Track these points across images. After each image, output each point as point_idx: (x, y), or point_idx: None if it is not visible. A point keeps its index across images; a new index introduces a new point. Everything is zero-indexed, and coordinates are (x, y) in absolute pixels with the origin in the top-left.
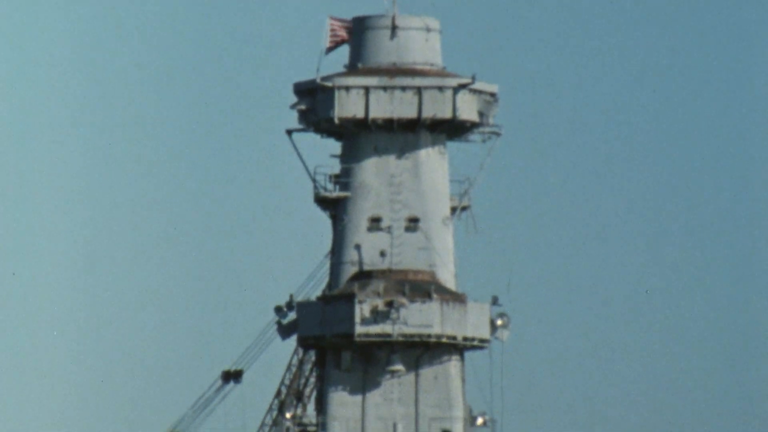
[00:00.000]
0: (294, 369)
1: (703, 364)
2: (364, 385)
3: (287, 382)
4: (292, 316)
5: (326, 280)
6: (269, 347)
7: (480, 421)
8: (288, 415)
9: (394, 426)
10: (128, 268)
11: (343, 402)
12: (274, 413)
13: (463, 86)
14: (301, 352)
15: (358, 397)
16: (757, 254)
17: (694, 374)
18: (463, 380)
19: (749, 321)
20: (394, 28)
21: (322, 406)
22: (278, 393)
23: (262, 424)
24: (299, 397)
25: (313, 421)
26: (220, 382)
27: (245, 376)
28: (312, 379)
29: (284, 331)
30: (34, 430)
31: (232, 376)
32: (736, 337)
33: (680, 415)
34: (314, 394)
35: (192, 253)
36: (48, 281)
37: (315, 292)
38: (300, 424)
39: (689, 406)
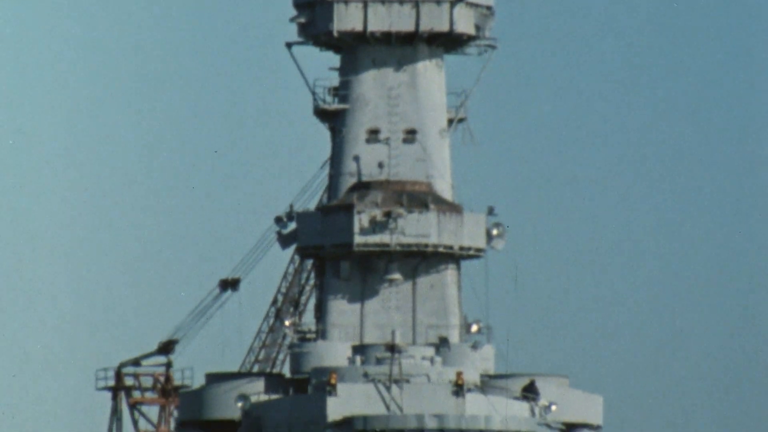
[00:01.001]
0: (290, 277)
1: (695, 260)
2: (362, 293)
3: (283, 290)
4: (292, 226)
5: (322, 190)
6: (266, 256)
7: (474, 328)
8: (287, 323)
9: (392, 333)
10: (129, 177)
11: (342, 310)
12: (271, 320)
13: None
14: (297, 260)
15: (357, 306)
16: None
17: (689, 278)
18: (460, 289)
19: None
20: None
21: (321, 314)
22: (274, 301)
23: (259, 331)
24: (295, 304)
25: (312, 328)
26: (217, 290)
27: (242, 285)
28: (307, 287)
29: (284, 240)
30: (33, 337)
31: (229, 285)
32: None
33: (676, 317)
34: (309, 301)
35: (192, 163)
36: (47, 188)
37: (311, 202)
38: (299, 332)
39: (684, 308)
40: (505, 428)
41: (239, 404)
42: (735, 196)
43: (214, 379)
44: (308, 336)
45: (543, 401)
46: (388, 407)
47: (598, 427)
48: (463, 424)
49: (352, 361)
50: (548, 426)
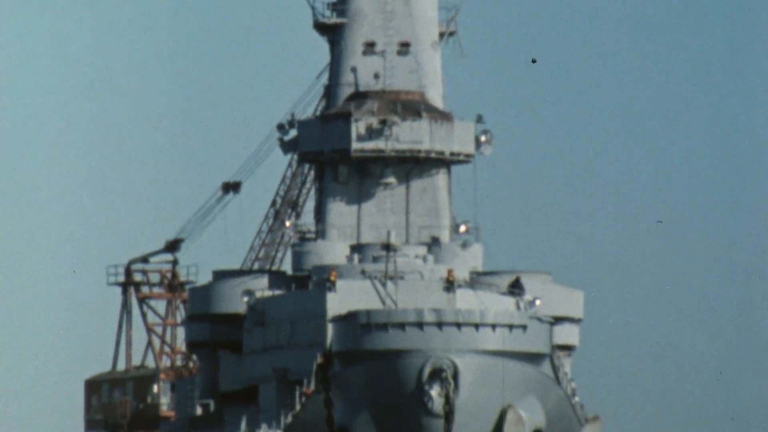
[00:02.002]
0: (288, 181)
1: (679, 165)
2: (359, 196)
3: (282, 193)
4: (293, 133)
5: (318, 99)
6: (266, 161)
7: (463, 228)
8: (287, 224)
9: (388, 233)
10: (134, 83)
11: (340, 212)
12: (270, 221)
13: None
14: (294, 165)
15: (354, 208)
16: None
17: (670, 182)
18: (450, 192)
19: None
20: None
21: (320, 216)
22: (273, 203)
23: (259, 231)
24: (293, 206)
25: (312, 228)
26: (220, 192)
27: (243, 187)
28: (305, 190)
29: (286, 147)
30: (48, 236)
31: (231, 187)
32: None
33: (656, 215)
34: (306, 203)
35: (197, 70)
36: (53, 92)
37: (308, 110)
38: (299, 232)
39: (662, 208)
40: (498, 321)
41: (244, 299)
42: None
43: (220, 275)
44: (308, 236)
45: (528, 296)
46: (383, 302)
47: (579, 320)
48: (459, 317)
49: (350, 259)
50: (539, 319)
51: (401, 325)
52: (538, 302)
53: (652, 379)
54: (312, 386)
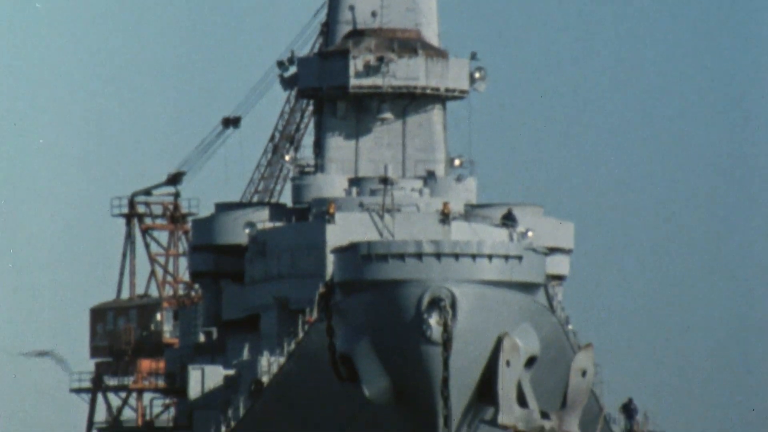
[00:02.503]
0: (286, 116)
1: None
2: (357, 131)
3: (280, 128)
4: (293, 70)
5: (315, 36)
6: (265, 96)
7: (457, 162)
8: (287, 158)
9: (385, 167)
10: (138, 20)
11: (339, 146)
12: (269, 155)
13: None
14: (293, 101)
15: (352, 142)
16: None
17: (659, 116)
18: (445, 127)
19: None
20: None
21: (320, 150)
22: (272, 137)
23: (258, 165)
24: (291, 140)
25: (310, 162)
26: (220, 127)
27: (243, 122)
28: (302, 125)
29: (286, 83)
30: (54, 168)
31: (231, 122)
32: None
33: (643, 148)
34: (304, 138)
35: (199, 7)
36: (57, 28)
37: (305, 47)
38: (298, 166)
39: (652, 143)
40: (495, 252)
41: (246, 231)
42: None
43: (223, 208)
44: (307, 170)
45: (520, 228)
46: (381, 234)
47: (569, 251)
48: (457, 249)
49: (348, 192)
50: (534, 250)
51: (401, 256)
52: (530, 234)
53: (642, 307)
54: (314, 315)
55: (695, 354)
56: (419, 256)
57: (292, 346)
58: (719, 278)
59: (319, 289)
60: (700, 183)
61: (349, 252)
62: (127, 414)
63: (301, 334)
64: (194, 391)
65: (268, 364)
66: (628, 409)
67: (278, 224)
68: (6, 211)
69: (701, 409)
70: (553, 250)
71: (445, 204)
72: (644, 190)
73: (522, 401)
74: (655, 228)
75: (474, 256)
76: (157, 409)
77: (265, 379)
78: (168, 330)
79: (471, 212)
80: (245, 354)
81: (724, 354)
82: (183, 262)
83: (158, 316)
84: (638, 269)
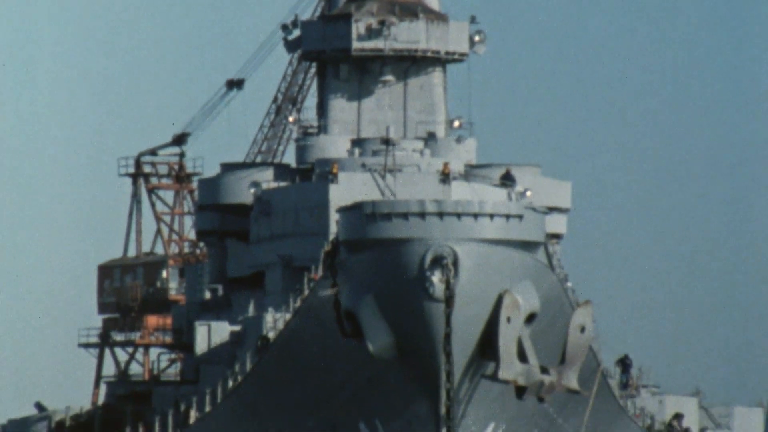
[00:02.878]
0: (289, 78)
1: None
2: (359, 93)
3: (283, 89)
4: (296, 33)
5: (318, 0)
6: (268, 59)
7: (456, 123)
8: (290, 119)
9: (387, 128)
10: None
11: (341, 108)
12: (272, 117)
13: None
14: (295, 63)
15: (355, 104)
16: None
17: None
18: (445, 89)
19: None
20: None
21: (323, 112)
22: (275, 99)
23: (261, 126)
24: (294, 102)
25: (313, 124)
26: (224, 89)
27: (246, 84)
28: (304, 87)
29: (290, 46)
30: (61, 129)
31: (235, 84)
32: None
33: (637, 107)
34: (306, 100)
35: None
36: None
37: (308, 11)
38: (302, 127)
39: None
40: (496, 212)
41: (251, 190)
42: None
43: (228, 168)
44: (310, 131)
45: (518, 188)
46: (383, 193)
47: (566, 210)
48: (459, 208)
49: (350, 153)
50: (534, 209)
51: (404, 215)
52: (528, 193)
53: (638, 265)
54: (320, 272)
55: (689, 312)
56: (422, 215)
57: (298, 302)
58: (714, 236)
59: (325, 248)
60: (697, 142)
61: (354, 211)
62: (134, 369)
63: (306, 292)
64: (201, 346)
65: (273, 321)
66: (624, 364)
67: (282, 184)
68: (17, 172)
69: (694, 364)
70: (550, 210)
71: (446, 164)
72: (641, 150)
73: (522, 356)
74: (651, 187)
75: (476, 215)
76: (163, 364)
77: (271, 335)
78: (173, 287)
79: (470, 172)
80: (251, 310)
81: (718, 311)
82: (188, 221)
83: (164, 274)
84: (634, 228)
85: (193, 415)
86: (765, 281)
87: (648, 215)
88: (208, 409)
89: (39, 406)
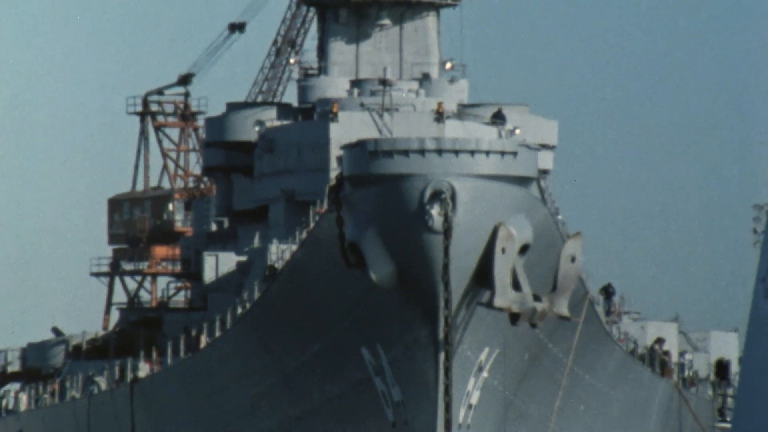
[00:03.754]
0: (288, 21)
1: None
2: (357, 36)
3: (282, 32)
4: None
5: None
6: (268, 3)
7: (448, 65)
8: (292, 61)
9: (384, 70)
10: None
11: (341, 50)
12: (272, 58)
13: None
14: (294, 7)
15: (353, 46)
16: None
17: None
18: (439, 33)
19: None
20: None
21: (323, 54)
22: (275, 42)
23: (262, 67)
24: (292, 45)
25: (314, 65)
26: (227, 32)
27: (248, 27)
28: (303, 30)
29: None
30: (64, 74)
31: (237, 27)
32: None
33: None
34: (305, 42)
35: None
36: None
37: None
38: (302, 68)
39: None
40: (492, 149)
41: (256, 128)
42: None
43: (234, 107)
44: (310, 72)
45: (508, 126)
46: (380, 131)
47: (553, 147)
48: (457, 145)
49: (350, 93)
50: (527, 146)
51: (405, 152)
52: (517, 131)
53: (621, 199)
54: (325, 206)
55: (669, 244)
56: (422, 152)
57: (304, 235)
58: (695, 173)
59: (330, 183)
60: (680, 85)
61: (358, 148)
62: (143, 297)
63: (312, 225)
64: (209, 275)
65: (278, 251)
66: (607, 292)
67: (285, 123)
68: (34, 112)
69: (673, 292)
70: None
71: (440, 104)
72: (626, 91)
73: (516, 285)
74: (632, 126)
75: (472, 152)
76: (171, 293)
77: (278, 264)
78: (179, 219)
79: (463, 111)
80: (256, 242)
81: (696, 243)
82: (193, 157)
83: (170, 207)
84: (617, 164)
85: (203, 339)
86: (737, 215)
87: (629, 152)
88: (218, 334)
89: (56, 331)
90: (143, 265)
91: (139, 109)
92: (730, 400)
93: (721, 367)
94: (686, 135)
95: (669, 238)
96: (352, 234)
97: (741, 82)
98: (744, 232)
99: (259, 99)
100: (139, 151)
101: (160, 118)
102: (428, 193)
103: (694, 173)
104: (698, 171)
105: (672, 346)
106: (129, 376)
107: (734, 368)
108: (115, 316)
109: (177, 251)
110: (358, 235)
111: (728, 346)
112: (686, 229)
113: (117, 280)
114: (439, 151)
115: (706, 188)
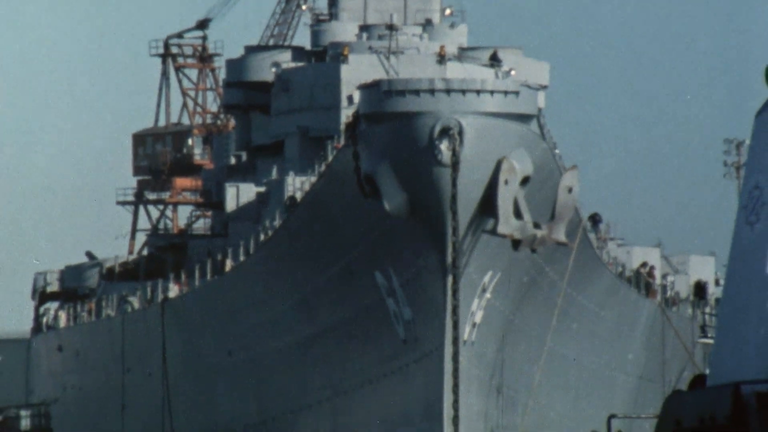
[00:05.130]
0: None
1: None
2: None
3: None
4: None
5: None
6: None
7: (448, 12)
8: (303, 7)
9: (390, 16)
10: None
11: None
12: (282, 4)
13: None
14: None
15: None
16: None
17: None
18: None
19: None
20: None
21: (334, 1)
22: None
23: (273, 13)
24: None
25: (324, 12)
26: None
27: None
28: None
29: None
30: (91, 22)
31: None
32: None
33: None
34: None
35: None
36: None
37: None
38: (314, 14)
39: None
40: (496, 88)
41: (273, 69)
42: None
43: (252, 50)
44: (321, 18)
45: (504, 68)
46: (387, 72)
47: (545, 87)
48: (464, 85)
49: (359, 37)
50: (528, 86)
51: (416, 92)
52: (512, 72)
53: (604, 134)
54: (342, 141)
55: (651, 175)
56: (432, 92)
57: (323, 167)
58: (673, 109)
59: (346, 119)
60: (670, 26)
61: (373, 88)
62: (166, 224)
63: (330, 158)
64: (230, 204)
65: (294, 183)
66: (594, 220)
67: (299, 64)
68: (67, 55)
69: (655, 219)
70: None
71: (441, 47)
72: (614, 32)
73: (518, 214)
74: (617, 68)
75: (478, 92)
76: (192, 220)
77: (297, 195)
78: (198, 153)
79: (462, 54)
80: (273, 174)
81: (676, 171)
82: (210, 96)
83: (189, 141)
84: (603, 103)
85: (228, 263)
86: (711, 148)
87: (614, 92)
88: (242, 258)
89: (89, 255)
90: (165, 195)
91: (161, 51)
92: (708, 318)
93: (700, 288)
94: (666, 77)
95: (651, 171)
96: (367, 167)
97: (730, 26)
98: (717, 164)
99: (271, 42)
100: (160, 90)
101: (180, 60)
102: (437, 129)
103: (673, 109)
104: (678, 106)
105: (656, 269)
106: (159, 296)
107: (711, 289)
108: (141, 241)
109: (197, 182)
110: (373, 168)
111: (706, 269)
112: (665, 163)
113: (141, 208)
114: (448, 91)
115: (684, 122)
